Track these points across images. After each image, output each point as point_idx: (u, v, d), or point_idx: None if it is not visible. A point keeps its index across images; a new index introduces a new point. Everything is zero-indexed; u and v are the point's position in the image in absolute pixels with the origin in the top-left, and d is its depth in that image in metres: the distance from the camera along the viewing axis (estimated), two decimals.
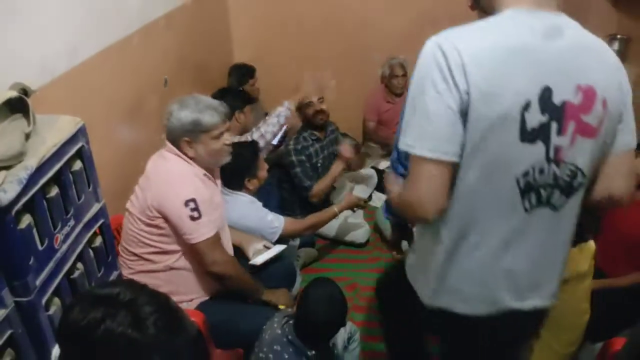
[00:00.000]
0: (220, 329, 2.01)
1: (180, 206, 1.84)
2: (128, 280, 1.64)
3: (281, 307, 2.10)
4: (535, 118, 1.15)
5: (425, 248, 1.38)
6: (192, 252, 1.96)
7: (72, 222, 1.42)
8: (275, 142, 3.11)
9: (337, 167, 3.06)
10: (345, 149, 3.06)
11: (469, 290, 1.34)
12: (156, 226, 1.91)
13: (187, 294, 2.04)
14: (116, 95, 2.26)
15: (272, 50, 3.93)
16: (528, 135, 1.16)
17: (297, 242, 2.89)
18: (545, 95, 1.14)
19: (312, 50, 3.96)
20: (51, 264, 1.32)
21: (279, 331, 1.84)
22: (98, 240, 1.57)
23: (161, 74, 2.72)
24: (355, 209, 2.89)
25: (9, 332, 1.20)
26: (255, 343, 1.91)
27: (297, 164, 3.07)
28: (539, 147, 1.18)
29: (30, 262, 1.24)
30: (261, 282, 2.27)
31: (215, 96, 2.98)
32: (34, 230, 1.26)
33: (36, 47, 1.73)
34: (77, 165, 1.45)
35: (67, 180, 1.40)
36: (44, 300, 1.29)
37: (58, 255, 1.35)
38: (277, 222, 2.46)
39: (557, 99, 1.15)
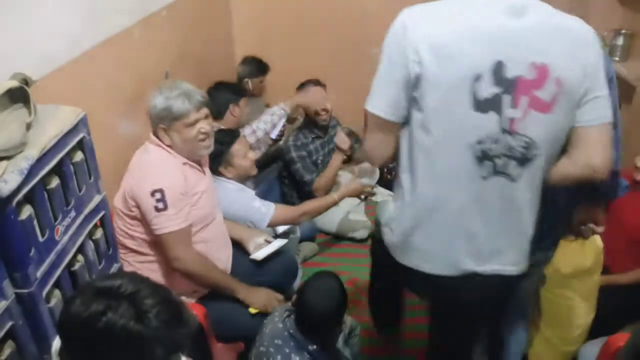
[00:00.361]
0: (221, 322, 2.01)
1: (147, 195, 1.81)
2: (130, 272, 1.63)
3: (252, 310, 2.04)
4: (487, 90, 1.25)
5: (395, 208, 1.50)
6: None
7: (72, 214, 1.41)
8: (274, 136, 3.09)
9: (336, 159, 3.04)
10: (341, 139, 3.03)
11: (433, 250, 1.45)
12: (135, 217, 1.90)
13: (187, 286, 2.02)
14: (117, 87, 2.24)
15: (272, 42, 3.91)
16: (480, 105, 1.26)
17: (297, 235, 2.88)
18: (498, 69, 1.24)
19: (312, 44, 3.93)
20: (52, 256, 1.31)
21: (280, 325, 1.83)
22: (99, 233, 1.55)
23: (162, 66, 2.70)
24: (362, 196, 2.80)
25: (9, 324, 1.19)
26: (256, 337, 1.90)
27: (298, 160, 3.05)
28: (491, 118, 1.27)
29: (31, 253, 1.23)
30: (264, 277, 2.27)
31: (210, 90, 2.97)
32: (35, 222, 1.25)
33: (37, 38, 1.71)
34: (78, 156, 1.44)
35: (68, 171, 1.39)
36: (44, 292, 1.28)
37: (59, 246, 1.34)
38: (264, 208, 2.41)
39: (510, 73, 1.24)
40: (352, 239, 3.18)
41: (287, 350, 1.77)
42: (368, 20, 3.89)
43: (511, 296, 1.65)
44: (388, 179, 3.55)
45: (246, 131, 2.84)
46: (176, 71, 2.82)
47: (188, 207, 1.91)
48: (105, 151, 1.83)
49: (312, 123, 3.14)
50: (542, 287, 2.15)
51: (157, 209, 1.81)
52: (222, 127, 2.72)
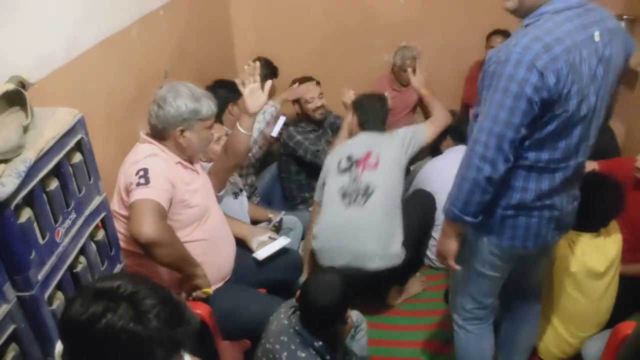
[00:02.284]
0: (226, 320, 2.00)
1: (133, 176, 1.80)
2: (130, 273, 1.62)
3: (207, 290, 1.96)
4: (344, 165, 2.59)
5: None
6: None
7: (73, 215, 1.40)
8: (275, 134, 3.09)
9: (344, 131, 2.97)
10: (347, 96, 3.00)
11: (330, 254, 2.53)
12: None
13: (192, 286, 2.01)
14: (116, 88, 2.24)
15: (272, 39, 3.90)
16: (340, 172, 2.58)
17: (300, 230, 2.88)
18: (349, 158, 2.59)
19: (313, 38, 3.93)
20: (53, 258, 1.30)
21: (286, 322, 1.82)
22: (100, 234, 1.55)
23: (161, 66, 2.70)
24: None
25: (12, 328, 1.18)
26: (262, 334, 1.89)
27: (303, 141, 3.07)
28: (346, 176, 2.56)
29: (32, 256, 1.22)
30: (267, 275, 2.27)
31: (209, 88, 2.95)
32: (35, 225, 1.24)
33: (34, 40, 1.70)
34: (77, 157, 1.43)
35: (67, 173, 1.38)
36: (46, 295, 1.27)
37: (60, 249, 1.33)
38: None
39: (354, 158, 2.58)
40: None
41: (293, 347, 1.77)
42: (369, 14, 3.88)
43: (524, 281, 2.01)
44: None
45: None
46: (175, 70, 2.82)
47: (170, 192, 1.84)
48: (105, 152, 1.83)
49: (307, 117, 3.15)
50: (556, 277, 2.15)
51: (139, 184, 1.77)
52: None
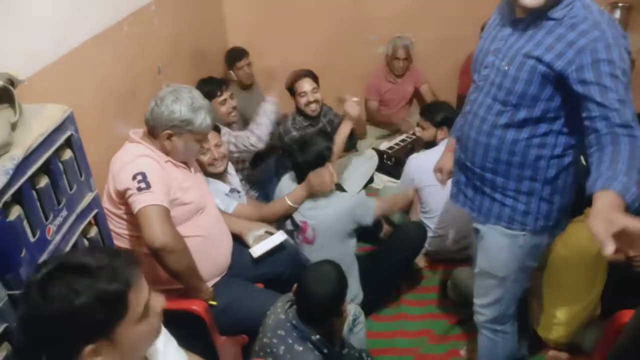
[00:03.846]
0: (223, 315, 2.00)
1: (129, 180, 1.77)
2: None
3: (212, 302, 1.99)
4: (289, 227, 2.52)
5: None
6: None
7: (64, 213, 1.39)
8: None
9: (344, 127, 2.89)
10: (350, 106, 2.87)
11: None
12: (122, 216, 1.87)
13: None
14: (108, 84, 2.22)
15: (266, 32, 3.88)
16: (289, 231, 2.50)
17: None
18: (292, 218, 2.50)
19: (306, 31, 3.90)
20: (44, 256, 1.29)
21: (283, 316, 1.82)
22: (93, 231, 1.54)
23: (154, 61, 2.68)
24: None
25: (3, 326, 1.18)
26: (259, 328, 1.89)
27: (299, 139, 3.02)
28: (294, 239, 2.52)
29: (22, 254, 1.21)
30: (265, 269, 2.26)
31: (196, 86, 2.91)
32: (25, 222, 1.23)
33: (23, 36, 1.69)
34: (67, 154, 1.41)
35: (57, 169, 1.37)
36: None
37: (51, 246, 1.32)
38: (222, 205, 2.38)
39: (296, 221, 2.45)
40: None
41: (290, 341, 1.76)
42: (363, 7, 3.86)
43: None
44: (388, 165, 3.53)
45: (252, 141, 2.74)
46: (168, 66, 2.80)
47: (168, 194, 1.84)
48: (96, 149, 1.81)
49: (303, 113, 3.10)
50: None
51: (140, 189, 1.75)
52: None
